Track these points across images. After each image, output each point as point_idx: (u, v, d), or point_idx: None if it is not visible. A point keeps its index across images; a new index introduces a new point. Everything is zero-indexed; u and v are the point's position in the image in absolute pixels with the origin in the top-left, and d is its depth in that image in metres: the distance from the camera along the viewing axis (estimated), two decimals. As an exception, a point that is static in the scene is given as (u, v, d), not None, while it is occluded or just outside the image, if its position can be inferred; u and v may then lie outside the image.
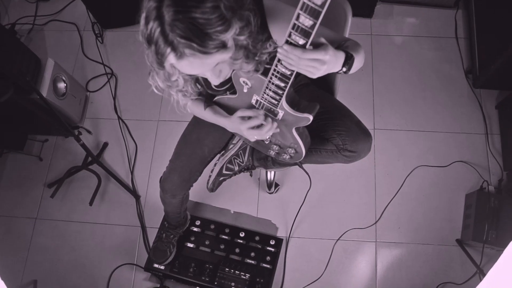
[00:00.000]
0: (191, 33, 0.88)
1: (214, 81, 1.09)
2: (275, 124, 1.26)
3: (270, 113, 1.24)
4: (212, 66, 1.01)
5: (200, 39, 0.89)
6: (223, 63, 1.02)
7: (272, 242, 2.09)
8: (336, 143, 1.39)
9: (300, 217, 2.17)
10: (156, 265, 2.06)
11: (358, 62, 1.12)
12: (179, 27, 0.88)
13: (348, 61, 1.04)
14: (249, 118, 1.26)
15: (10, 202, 2.38)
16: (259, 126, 1.26)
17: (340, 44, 1.11)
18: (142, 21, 0.93)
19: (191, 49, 0.90)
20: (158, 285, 2.10)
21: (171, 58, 0.93)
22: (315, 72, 0.97)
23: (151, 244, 2.13)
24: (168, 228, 2.01)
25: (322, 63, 0.95)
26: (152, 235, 2.17)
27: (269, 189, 2.21)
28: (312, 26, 0.86)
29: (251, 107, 1.27)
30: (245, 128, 1.27)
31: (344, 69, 1.05)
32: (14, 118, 2.27)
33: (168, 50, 0.91)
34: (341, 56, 1.02)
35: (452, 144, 2.29)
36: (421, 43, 2.55)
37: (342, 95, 1.70)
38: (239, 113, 1.28)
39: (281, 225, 2.19)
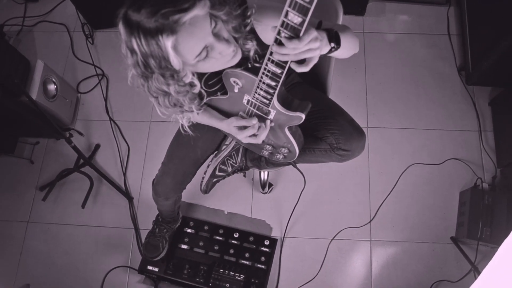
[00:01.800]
0: (162, 2, 0.88)
1: (227, 49, 1.02)
2: (269, 126, 1.25)
3: (262, 113, 1.22)
4: (208, 28, 0.97)
5: (172, 3, 0.88)
6: (217, 24, 0.99)
7: (267, 243, 2.08)
8: (330, 142, 1.38)
9: (295, 217, 2.16)
10: (150, 267, 2.04)
11: (348, 40, 1.12)
12: (149, 11, 0.88)
13: (332, 35, 1.05)
14: (245, 127, 1.27)
15: (2, 206, 2.35)
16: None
17: (317, 26, 1.11)
18: (128, 53, 0.96)
19: (172, 14, 0.88)
20: (153, 287, 2.08)
21: (168, 42, 0.90)
22: (315, 53, 0.96)
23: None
24: (162, 222, 1.99)
25: (315, 41, 0.94)
26: (145, 237, 2.16)
27: (263, 189, 2.20)
28: (301, 23, 0.85)
29: (242, 107, 1.26)
30: (242, 137, 1.29)
31: (333, 44, 1.05)
32: (4, 121, 2.24)
33: (160, 37, 0.90)
34: (323, 34, 1.03)
35: (446, 142, 2.29)
36: (413, 41, 2.55)
37: (335, 94, 1.69)
38: (235, 123, 1.28)
39: (275, 225, 2.18)
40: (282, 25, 0.88)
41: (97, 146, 2.41)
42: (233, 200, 2.24)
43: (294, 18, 0.85)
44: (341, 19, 1.41)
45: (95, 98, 2.55)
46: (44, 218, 2.30)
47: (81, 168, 2.29)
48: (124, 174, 2.34)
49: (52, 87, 2.22)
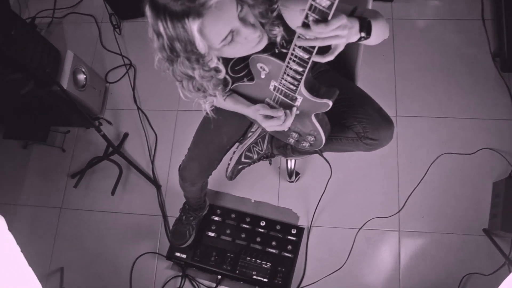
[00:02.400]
0: None
1: (252, 34, 1.02)
2: (294, 113, 1.24)
3: (289, 99, 1.21)
4: (234, 12, 0.96)
5: None
6: (243, 8, 0.98)
7: (294, 231, 2.08)
8: (357, 131, 1.36)
9: (322, 206, 2.14)
10: (178, 254, 2.08)
11: (379, 29, 1.09)
12: None
13: (364, 25, 1.01)
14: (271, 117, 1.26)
15: (36, 192, 2.44)
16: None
17: (351, 12, 1.08)
18: (155, 37, 0.97)
19: None
20: (180, 274, 2.12)
21: (194, 26, 0.91)
22: (341, 40, 0.94)
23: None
24: (188, 209, 2.01)
25: (343, 28, 0.92)
26: (173, 225, 2.19)
27: (290, 178, 2.19)
28: (330, 7, 0.83)
29: (269, 93, 1.25)
30: (266, 126, 1.28)
31: (363, 34, 1.02)
32: (37, 110, 2.31)
33: (186, 20, 0.90)
34: (355, 22, 1.00)
35: (478, 131, 2.21)
36: (445, 26, 2.46)
37: (363, 82, 1.66)
38: (262, 111, 1.27)
39: (302, 214, 2.17)
40: (310, 9, 0.86)
41: (126, 135, 2.45)
42: (259, 188, 2.24)
43: (322, 1, 0.83)
44: (371, 5, 1.38)
45: (123, 88, 2.59)
46: (75, 205, 2.37)
47: (110, 156, 2.33)
48: (152, 162, 2.38)
49: (81, 77, 2.26)
